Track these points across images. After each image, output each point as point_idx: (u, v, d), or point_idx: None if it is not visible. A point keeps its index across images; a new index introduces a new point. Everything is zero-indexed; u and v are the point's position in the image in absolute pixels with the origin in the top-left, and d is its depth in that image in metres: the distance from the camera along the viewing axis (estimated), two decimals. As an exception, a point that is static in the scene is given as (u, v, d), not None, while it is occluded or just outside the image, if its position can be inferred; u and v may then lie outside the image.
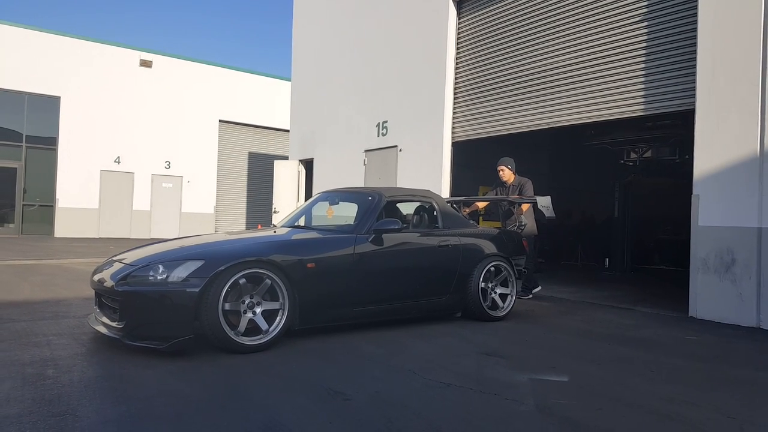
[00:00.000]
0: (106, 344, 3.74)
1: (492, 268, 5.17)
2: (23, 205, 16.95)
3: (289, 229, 4.95)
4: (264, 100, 21.12)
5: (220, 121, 20.46)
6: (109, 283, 3.64)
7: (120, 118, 18.37)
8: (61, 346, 3.66)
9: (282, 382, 3.09)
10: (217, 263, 3.56)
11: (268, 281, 3.74)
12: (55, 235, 17.07)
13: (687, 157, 8.56)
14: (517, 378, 3.30)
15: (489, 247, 5.24)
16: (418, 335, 4.42)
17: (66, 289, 6.31)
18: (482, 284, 5.06)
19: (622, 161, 10.98)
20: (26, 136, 17.10)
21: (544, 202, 6.12)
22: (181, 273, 3.50)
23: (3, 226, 16.77)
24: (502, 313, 5.19)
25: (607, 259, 11.44)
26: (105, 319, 3.74)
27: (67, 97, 17.48)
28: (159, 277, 3.51)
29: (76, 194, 17.52)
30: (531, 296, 6.75)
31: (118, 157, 18.30)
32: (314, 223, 5.43)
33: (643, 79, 6.57)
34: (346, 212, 5.08)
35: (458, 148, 9.27)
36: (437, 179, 9.14)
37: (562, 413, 2.71)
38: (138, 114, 18.72)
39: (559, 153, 13.23)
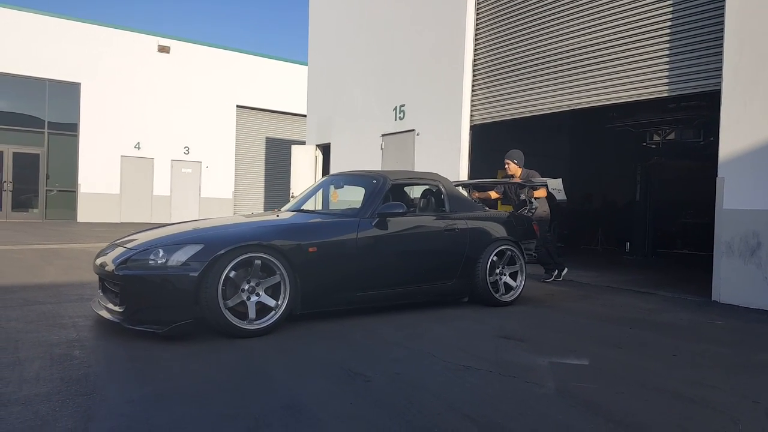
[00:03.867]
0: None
1: (500, 253, 5.06)
2: (47, 190, 17.28)
3: (294, 213, 4.90)
4: (281, 85, 21.12)
5: (237, 106, 20.54)
6: (110, 267, 3.62)
7: (139, 104, 18.55)
8: (87, 328, 3.74)
9: (301, 364, 3.12)
10: (217, 247, 3.52)
11: (258, 262, 3.65)
12: (78, 220, 17.40)
13: (712, 139, 8.39)
14: (537, 361, 3.28)
15: (497, 231, 5.13)
16: (436, 319, 4.42)
17: (89, 273, 6.41)
18: (490, 269, 4.96)
19: (645, 144, 10.80)
20: (48, 122, 17.37)
21: (555, 184, 6.02)
22: (180, 257, 3.48)
23: (27, 211, 17.13)
24: (511, 298, 5.10)
25: (627, 244, 11.29)
26: (107, 304, 3.72)
27: (87, 84, 17.68)
28: (159, 261, 3.48)
29: (98, 180, 17.80)
30: (552, 279, 6.70)
31: (138, 143, 18.51)
32: (321, 207, 5.37)
33: (667, 60, 6.40)
34: (356, 196, 5.01)
35: (477, 131, 9.18)
36: (455, 163, 9.07)
37: (583, 396, 2.69)
38: (156, 100, 18.87)
39: (580, 136, 13.04)
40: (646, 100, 6.76)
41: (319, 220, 4.48)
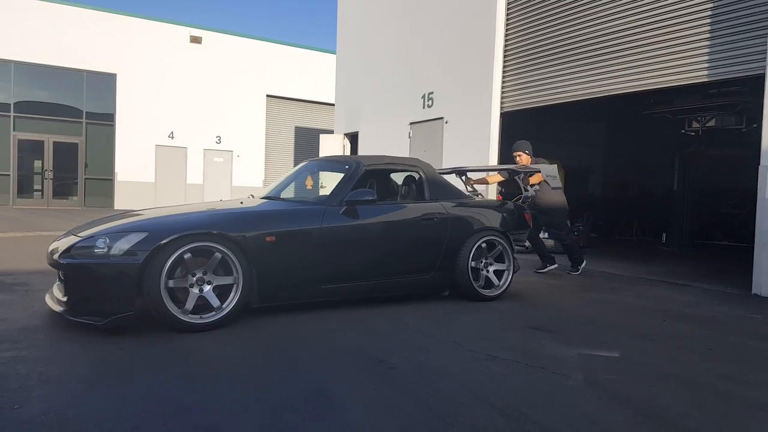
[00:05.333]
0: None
1: (485, 243, 4.71)
2: (85, 178, 17.85)
3: (261, 200, 4.61)
4: (310, 74, 21.19)
5: (267, 95, 20.72)
6: (57, 255, 3.48)
7: (172, 94, 18.90)
8: (120, 311, 3.83)
9: (327, 350, 3.14)
10: (161, 236, 3.35)
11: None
12: (115, 207, 17.90)
13: (754, 126, 8.04)
14: (566, 352, 3.23)
15: (482, 221, 4.77)
16: (462, 308, 4.39)
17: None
18: (473, 261, 4.62)
19: (683, 131, 10.41)
20: (86, 112, 17.88)
21: (549, 171, 5.82)
22: (123, 245, 3.32)
23: (67, 198, 17.74)
24: (497, 293, 4.75)
25: (664, 234, 10.98)
26: (57, 294, 3.58)
27: (123, 74, 18.09)
28: (103, 250, 3.32)
29: (134, 168, 18.27)
30: (579, 272, 6.56)
31: (172, 133, 18.89)
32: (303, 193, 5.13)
33: (707, 43, 6.15)
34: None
35: (507, 118, 9.03)
36: (485, 151, 8.96)
37: (613, 389, 2.63)
38: (189, 90, 19.19)
39: (615, 123, 12.70)
40: (685, 85, 6.52)
41: (282, 207, 4.27)
